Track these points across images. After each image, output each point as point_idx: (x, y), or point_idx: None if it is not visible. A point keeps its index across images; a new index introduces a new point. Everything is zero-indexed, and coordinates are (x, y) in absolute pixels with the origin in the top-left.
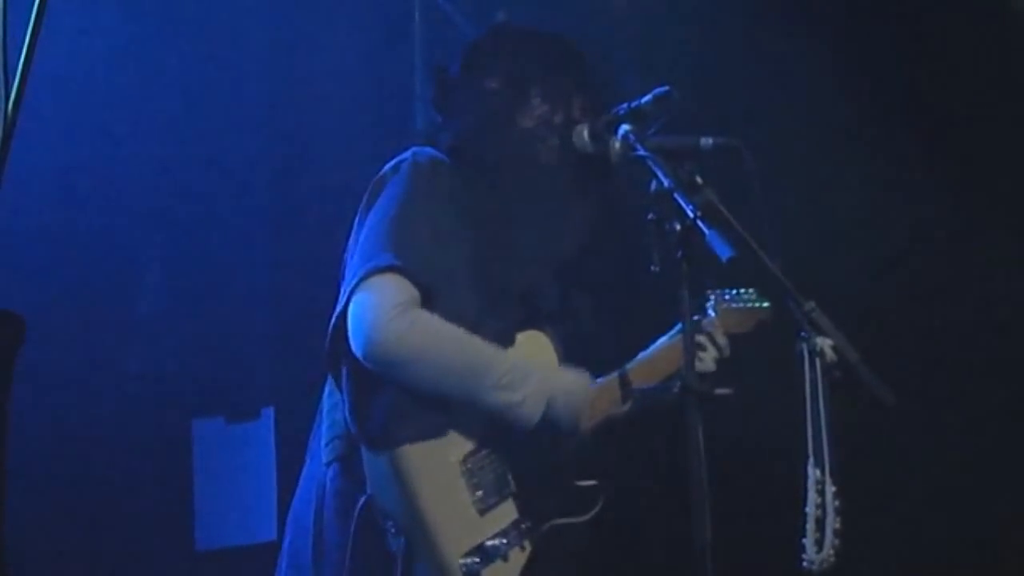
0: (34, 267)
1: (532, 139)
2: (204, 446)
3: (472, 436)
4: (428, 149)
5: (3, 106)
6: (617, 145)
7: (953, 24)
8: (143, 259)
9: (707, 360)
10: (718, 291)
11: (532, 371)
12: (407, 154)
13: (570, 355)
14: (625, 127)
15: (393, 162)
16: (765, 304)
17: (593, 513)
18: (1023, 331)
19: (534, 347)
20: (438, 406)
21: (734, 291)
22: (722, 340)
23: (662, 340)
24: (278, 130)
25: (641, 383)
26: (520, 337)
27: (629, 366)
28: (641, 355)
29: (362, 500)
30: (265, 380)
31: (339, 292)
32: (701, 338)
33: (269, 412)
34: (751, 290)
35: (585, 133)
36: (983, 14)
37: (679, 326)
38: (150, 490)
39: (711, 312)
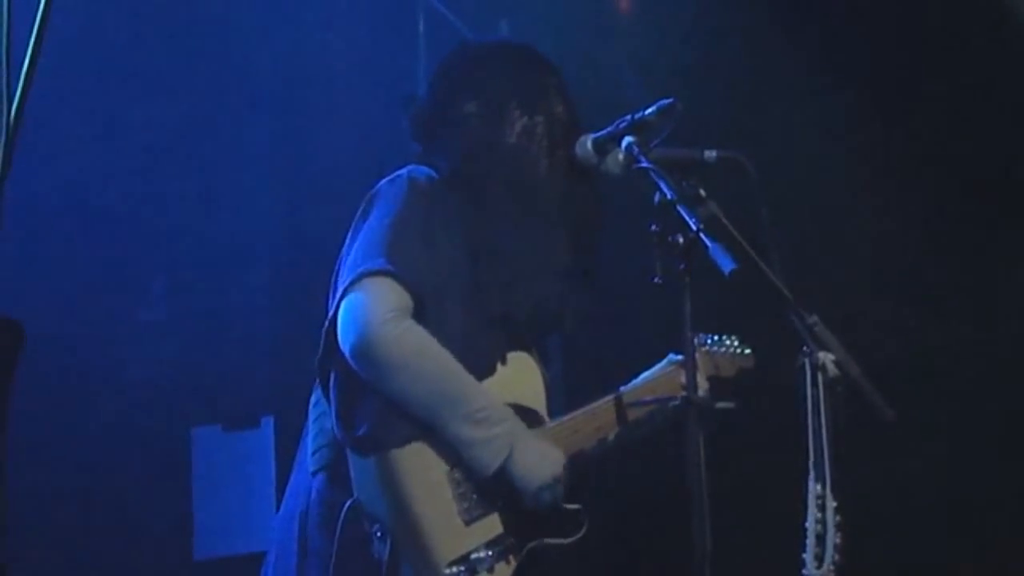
0: (34, 274)
1: (519, 154)
2: (203, 454)
3: None
4: (423, 168)
5: (6, 111)
6: (621, 156)
7: (954, 26)
8: (144, 266)
9: None
10: (700, 336)
11: (508, 417)
12: (403, 170)
13: (569, 370)
14: (629, 138)
15: (389, 177)
16: (747, 351)
17: (577, 536)
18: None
19: (521, 368)
20: None
21: (716, 336)
22: (703, 382)
23: (653, 370)
24: (280, 136)
25: (634, 412)
26: (509, 356)
27: (623, 390)
28: (633, 383)
29: (348, 503)
30: (265, 389)
31: (330, 301)
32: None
33: (269, 421)
34: (733, 337)
35: (589, 144)
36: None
37: (668, 358)
38: (149, 498)
39: None
